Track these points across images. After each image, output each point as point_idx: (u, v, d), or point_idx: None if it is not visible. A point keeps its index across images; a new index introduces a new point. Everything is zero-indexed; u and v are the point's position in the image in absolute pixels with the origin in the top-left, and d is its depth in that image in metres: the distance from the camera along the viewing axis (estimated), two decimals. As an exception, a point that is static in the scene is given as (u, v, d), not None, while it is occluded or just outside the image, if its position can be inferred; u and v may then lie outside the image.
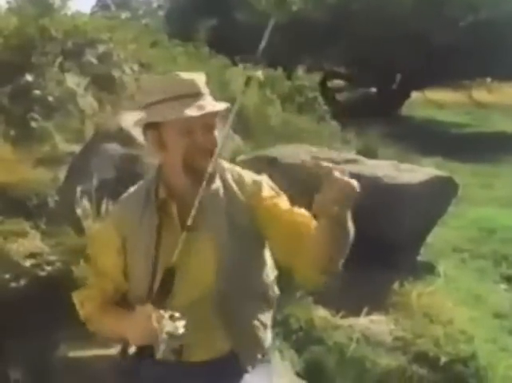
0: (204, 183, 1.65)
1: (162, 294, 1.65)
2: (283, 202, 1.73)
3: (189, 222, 1.64)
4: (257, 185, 1.77)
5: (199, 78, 1.72)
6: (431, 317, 3.12)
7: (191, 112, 1.64)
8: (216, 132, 1.72)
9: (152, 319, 1.60)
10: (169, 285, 1.65)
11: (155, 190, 1.76)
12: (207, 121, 1.68)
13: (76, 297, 1.89)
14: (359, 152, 5.18)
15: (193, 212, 1.64)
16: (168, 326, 1.57)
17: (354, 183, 1.42)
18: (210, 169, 1.68)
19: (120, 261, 1.79)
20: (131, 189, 1.87)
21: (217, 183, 1.75)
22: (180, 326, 1.57)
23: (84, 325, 1.98)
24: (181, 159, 1.68)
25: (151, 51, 6.67)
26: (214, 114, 1.70)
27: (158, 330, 1.58)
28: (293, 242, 1.63)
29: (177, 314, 1.59)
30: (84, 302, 1.87)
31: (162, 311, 1.60)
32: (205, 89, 1.72)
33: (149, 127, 1.72)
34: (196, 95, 1.68)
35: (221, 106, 1.71)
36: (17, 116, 5.07)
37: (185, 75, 1.72)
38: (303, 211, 1.68)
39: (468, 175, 6.93)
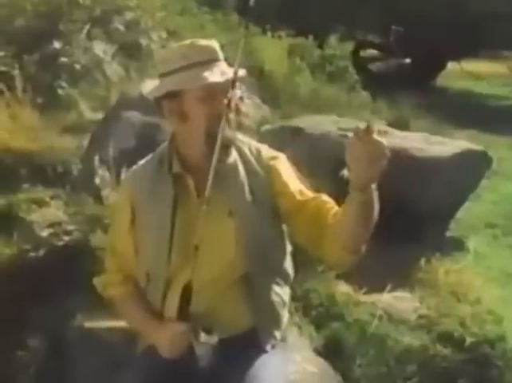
0: (218, 143, 1.59)
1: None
2: (304, 187, 1.70)
3: (206, 193, 1.59)
4: (276, 162, 1.73)
5: (215, 44, 1.68)
6: (458, 295, 3.01)
7: (215, 78, 1.61)
8: (230, 94, 1.67)
9: (183, 336, 1.62)
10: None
11: (169, 164, 1.71)
12: (227, 88, 1.64)
13: (97, 282, 1.90)
14: (390, 124, 5.03)
15: (210, 181, 1.59)
16: (203, 338, 1.62)
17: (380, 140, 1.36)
18: (226, 134, 1.65)
19: (131, 238, 1.76)
20: (142, 161, 1.83)
21: (233, 156, 1.71)
22: (215, 337, 1.62)
23: (101, 296, 1.97)
24: (204, 127, 1.63)
25: (179, 19, 6.57)
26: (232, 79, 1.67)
27: (191, 344, 1.62)
28: (318, 230, 1.61)
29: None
30: (106, 288, 1.88)
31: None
32: (221, 55, 1.69)
33: (166, 97, 1.66)
34: (215, 61, 1.64)
35: (241, 72, 1.68)
36: (45, 84, 5.06)
37: (202, 41, 1.68)
38: (324, 196, 1.66)
39: (504, 148, 6.68)
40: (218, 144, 1.59)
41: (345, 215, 1.52)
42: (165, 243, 1.67)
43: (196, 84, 1.62)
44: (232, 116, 1.67)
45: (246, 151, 1.74)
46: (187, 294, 1.62)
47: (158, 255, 1.69)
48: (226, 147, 1.68)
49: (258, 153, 1.75)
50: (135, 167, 1.85)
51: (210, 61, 1.64)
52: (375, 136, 1.35)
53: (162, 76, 1.69)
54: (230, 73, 1.65)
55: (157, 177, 1.73)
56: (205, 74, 1.61)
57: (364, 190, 1.43)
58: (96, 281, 1.90)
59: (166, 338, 1.64)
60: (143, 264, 1.75)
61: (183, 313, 1.63)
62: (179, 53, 1.67)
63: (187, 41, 1.71)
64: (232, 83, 1.62)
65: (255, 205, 1.68)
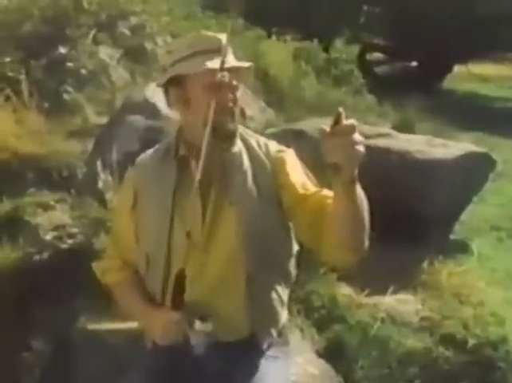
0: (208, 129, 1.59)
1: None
2: (309, 181, 1.68)
3: (197, 176, 1.59)
4: (284, 154, 1.72)
5: (223, 37, 1.68)
6: (460, 297, 3.01)
7: (215, 65, 1.61)
8: (239, 93, 1.69)
9: (178, 324, 1.61)
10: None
11: (175, 149, 1.73)
12: (231, 78, 1.65)
13: (97, 267, 1.90)
14: (395, 126, 5.03)
15: (200, 166, 1.59)
16: (198, 326, 1.61)
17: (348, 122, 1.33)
18: (231, 128, 1.66)
19: (132, 223, 1.76)
20: (150, 150, 1.84)
21: (238, 146, 1.71)
22: (209, 325, 1.61)
23: (104, 298, 1.98)
24: (203, 116, 1.63)
25: (184, 23, 6.59)
26: (238, 73, 1.68)
27: (188, 333, 1.61)
28: (318, 224, 1.58)
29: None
30: (104, 273, 1.88)
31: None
32: (228, 47, 1.67)
33: (172, 84, 1.69)
34: (220, 50, 1.63)
35: (245, 63, 1.70)
36: (51, 89, 5.09)
37: (208, 33, 1.70)
38: (329, 191, 1.61)
39: (510, 150, 6.65)
40: (208, 130, 1.58)
41: (335, 211, 1.50)
42: (165, 225, 1.67)
43: (195, 70, 1.63)
44: (232, 104, 1.66)
45: (254, 144, 1.74)
46: (180, 282, 1.61)
47: (158, 237, 1.68)
48: (230, 137, 1.69)
49: (266, 147, 1.75)
50: (140, 157, 1.86)
51: (213, 50, 1.64)
52: (345, 122, 1.33)
53: (169, 66, 1.71)
54: (232, 62, 1.66)
55: (162, 162, 1.74)
56: (206, 61, 1.62)
57: (349, 183, 1.41)
58: (95, 266, 1.90)
59: (159, 326, 1.64)
60: (144, 247, 1.74)
61: (177, 302, 1.62)
62: (184, 44, 1.70)
63: (194, 33, 1.73)
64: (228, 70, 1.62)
65: (259, 196, 1.67)
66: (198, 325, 1.61)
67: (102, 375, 2.38)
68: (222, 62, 1.59)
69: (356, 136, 1.33)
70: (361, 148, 1.34)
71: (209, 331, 1.62)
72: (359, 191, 1.44)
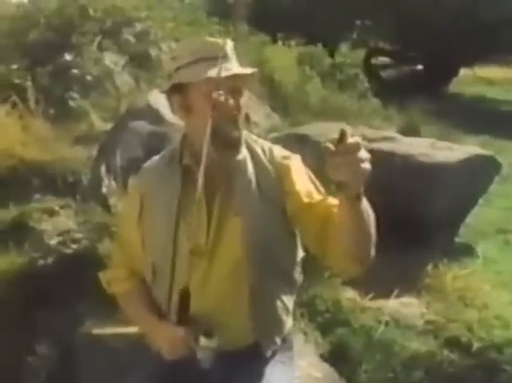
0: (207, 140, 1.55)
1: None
2: (315, 189, 1.66)
3: (197, 194, 1.56)
4: (289, 161, 1.70)
5: (227, 43, 1.67)
6: (465, 300, 2.99)
7: (215, 73, 1.59)
8: (243, 100, 1.67)
9: (183, 340, 1.59)
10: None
11: (180, 157, 1.71)
12: (234, 85, 1.63)
13: (103, 277, 1.88)
14: (400, 130, 5.03)
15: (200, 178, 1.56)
16: (203, 342, 1.58)
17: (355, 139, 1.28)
18: (235, 135, 1.64)
19: (139, 231, 1.75)
20: (155, 157, 1.82)
21: (243, 154, 1.68)
22: (215, 341, 1.58)
23: (109, 303, 1.98)
24: (204, 123, 1.60)
25: (188, 29, 6.62)
26: (241, 79, 1.66)
27: (192, 347, 1.59)
28: (324, 233, 1.56)
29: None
30: (110, 283, 1.86)
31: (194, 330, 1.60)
32: (232, 54, 1.67)
33: (175, 91, 1.67)
34: (223, 58, 1.61)
35: (248, 70, 1.67)
36: (57, 96, 5.14)
37: (212, 39, 1.68)
38: (334, 199, 1.57)
39: (517, 153, 6.63)
40: (207, 140, 1.55)
41: (340, 223, 1.48)
42: (170, 234, 1.66)
43: (198, 78, 1.61)
44: (235, 111, 1.64)
45: (258, 150, 1.72)
46: (185, 298, 1.59)
47: (164, 246, 1.67)
48: (234, 145, 1.66)
49: (271, 153, 1.72)
50: (145, 164, 1.83)
51: (216, 57, 1.61)
52: (350, 140, 1.27)
53: (173, 72, 1.70)
54: (234, 69, 1.64)
55: (167, 169, 1.73)
56: (207, 69, 1.60)
57: (355, 199, 1.38)
58: (101, 276, 1.88)
59: (165, 341, 1.63)
60: (150, 255, 1.73)
61: (183, 317, 1.61)
62: (188, 50, 1.68)
63: (198, 38, 1.72)
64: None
65: (263, 204, 1.65)
66: (203, 341, 1.59)
67: (106, 379, 2.39)
68: (219, 83, 1.57)
69: (362, 154, 1.29)
70: (367, 166, 1.30)
71: (214, 347, 1.59)
72: (364, 204, 1.42)
